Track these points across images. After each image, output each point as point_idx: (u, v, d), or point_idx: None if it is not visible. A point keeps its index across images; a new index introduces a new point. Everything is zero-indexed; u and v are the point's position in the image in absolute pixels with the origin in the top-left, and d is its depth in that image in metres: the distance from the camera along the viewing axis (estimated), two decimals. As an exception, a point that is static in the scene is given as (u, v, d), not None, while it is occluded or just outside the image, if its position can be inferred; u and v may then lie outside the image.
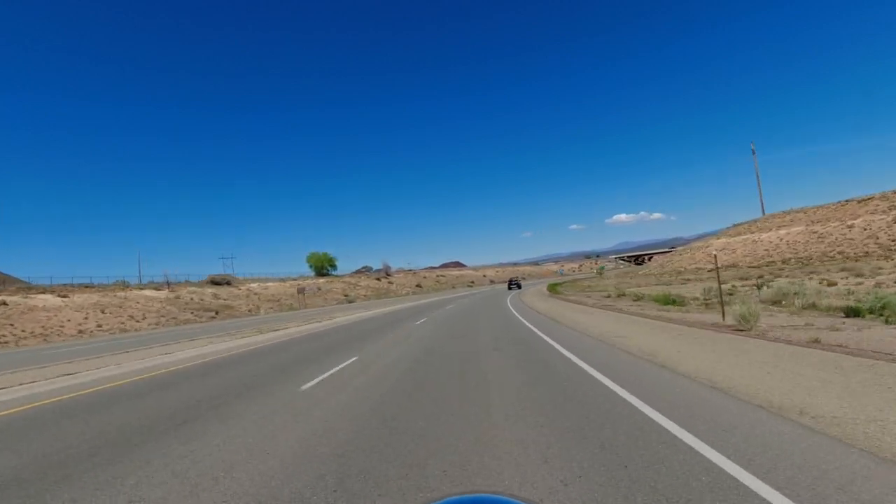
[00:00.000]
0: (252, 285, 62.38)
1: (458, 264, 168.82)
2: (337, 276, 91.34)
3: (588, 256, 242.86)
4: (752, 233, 59.53)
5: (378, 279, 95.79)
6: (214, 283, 57.77)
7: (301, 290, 53.61)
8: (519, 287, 66.50)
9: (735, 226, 67.30)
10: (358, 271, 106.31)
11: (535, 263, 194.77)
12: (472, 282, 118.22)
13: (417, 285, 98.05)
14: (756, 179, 75.39)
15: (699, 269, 53.10)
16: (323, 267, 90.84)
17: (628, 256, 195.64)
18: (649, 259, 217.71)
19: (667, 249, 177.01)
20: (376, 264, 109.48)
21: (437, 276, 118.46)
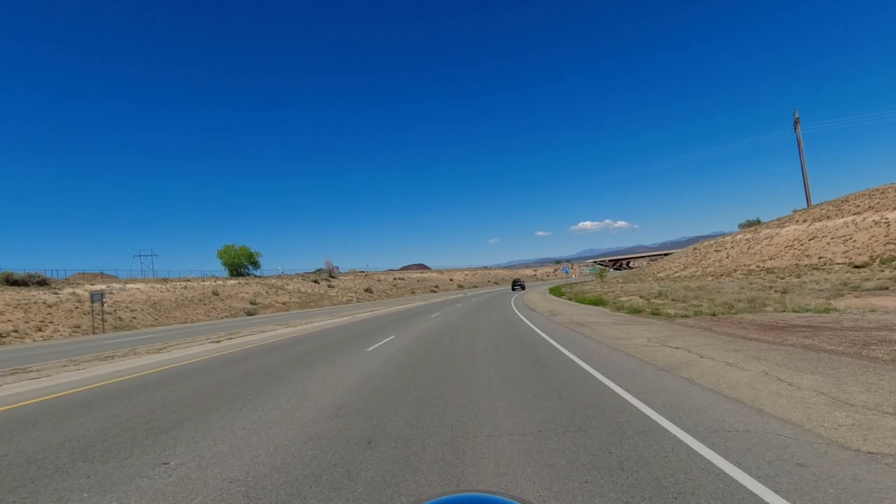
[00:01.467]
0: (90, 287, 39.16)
1: (421, 266, 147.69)
2: (258, 276, 68.46)
3: (559, 262, 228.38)
4: (829, 219, 41.98)
5: (315, 281, 73.59)
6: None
7: (96, 298, 30.16)
8: (523, 288, 63.32)
9: (797, 212, 50.01)
10: (316, 272, 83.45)
11: (509, 268, 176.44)
12: (436, 286, 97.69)
13: (367, 290, 76.44)
14: (799, 153, 59.12)
15: (769, 267, 34.86)
16: (240, 265, 67.77)
17: (609, 261, 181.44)
18: (628, 264, 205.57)
19: (661, 253, 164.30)
20: (344, 265, 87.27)
21: (395, 278, 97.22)
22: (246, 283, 60.14)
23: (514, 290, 62.30)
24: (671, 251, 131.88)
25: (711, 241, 67.05)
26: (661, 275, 59.30)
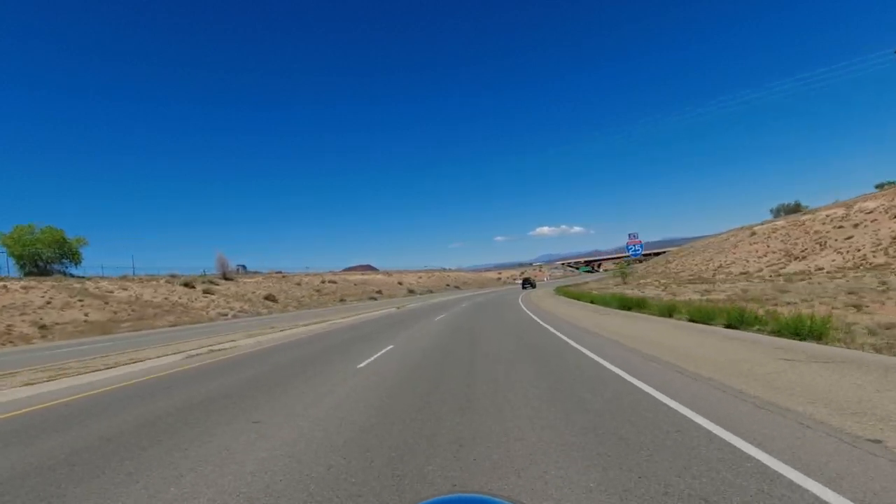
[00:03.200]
0: None
1: (368, 268, 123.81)
2: (75, 276, 43.18)
3: (523, 265, 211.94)
4: None
5: (188, 285, 49.11)
6: None
7: None
8: (533, 286, 62.30)
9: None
10: (202, 275, 57.96)
11: (473, 271, 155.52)
12: (379, 291, 74.85)
13: (269, 297, 52.56)
14: None
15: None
16: (46, 258, 42.31)
17: (585, 262, 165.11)
18: (599, 266, 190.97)
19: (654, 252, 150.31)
20: (292, 265, 62.14)
21: (325, 281, 73.60)
22: (32, 288, 35.22)
23: (524, 288, 61.31)
24: (665, 250, 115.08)
25: (749, 229, 48.59)
26: (683, 274, 39.73)
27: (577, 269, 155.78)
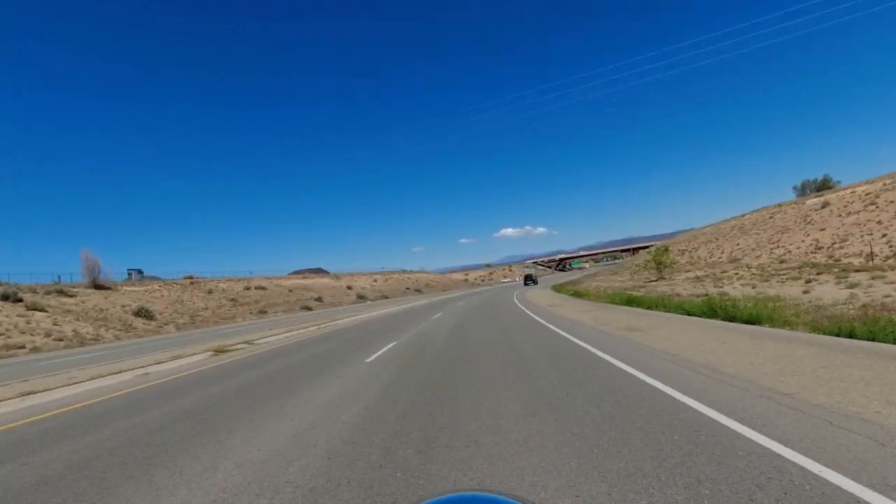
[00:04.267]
0: None
1: (319, 271, 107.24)
2: None
3: (490, 265, 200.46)
4: None
5: (9, 297, 32.53)
6: None
7: None
8: (535, 283, 60.05)
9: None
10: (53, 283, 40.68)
11: (439, 273, 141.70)
12: (320, 297, 59.51)
13: (139, 312, 36.44)
14: None
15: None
16: None
17: (558, 260, 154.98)
18: (569, 264, 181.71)
19: (623, 249, 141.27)
20: (237, 270, 45.01)
21: (250, 287, 57.59)
22: None
23: (526, 284, 60.31)
24: (651, 244, 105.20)
25: (776, 208, 37.41)
26: (689, 271, 27.46)
27: (564, 268, 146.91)
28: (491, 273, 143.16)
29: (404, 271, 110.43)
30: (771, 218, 35.20)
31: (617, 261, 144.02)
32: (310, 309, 51.30)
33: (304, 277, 77.50)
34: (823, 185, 49.48)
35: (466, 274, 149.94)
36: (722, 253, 29.96)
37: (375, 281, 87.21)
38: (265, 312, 45.68)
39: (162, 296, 45.27)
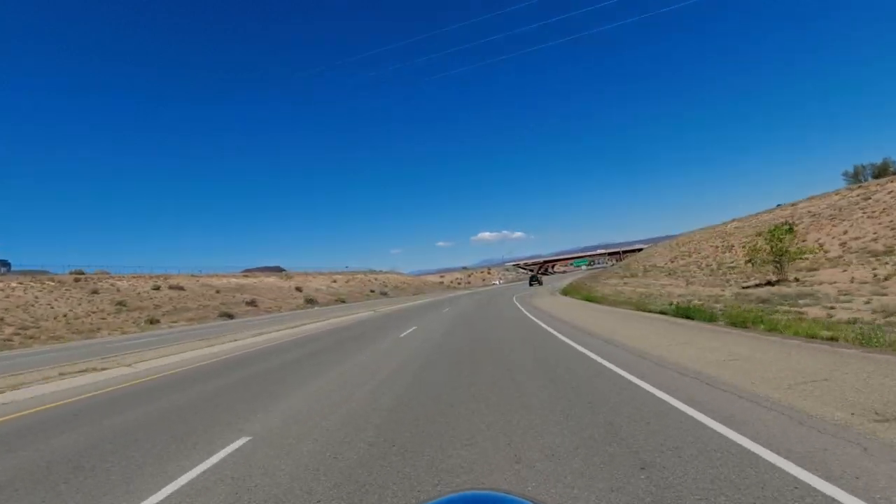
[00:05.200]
0: None
1: (276, 269, 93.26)
2: None
3: (466, 267, 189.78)
4: None
5: None
6: None
7: None
8: (540, 283, 56.60)
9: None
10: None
11: (414, 276, 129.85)
12: (253, 301, 46.66)
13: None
14: None
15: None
16: None
17: (540, 263, 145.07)
18: (553, 267, 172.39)
19: (617, 251, 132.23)
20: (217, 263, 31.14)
21: (160, 287, 44.33)
22: None
23: (531, 285, 55.65)
24: (638, 248, 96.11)
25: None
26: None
27: (547, 271, 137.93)
28: (469, 275, 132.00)
29: (372, 271, 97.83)
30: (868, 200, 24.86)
31: (603, 265, 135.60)
32: (231, 317, 38.61)
33: (247, 276, 64.17)
34: (884, 171, 40.13)
35: (442, 276, 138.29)
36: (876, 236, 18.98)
37: (335, 282, 74.52)
38: (157, 322, 32.76)
39: (7, 296, 31.86)
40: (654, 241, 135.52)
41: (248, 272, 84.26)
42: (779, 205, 39.44)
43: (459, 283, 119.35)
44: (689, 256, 34.72)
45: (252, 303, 45.79)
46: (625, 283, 29.69)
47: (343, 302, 57.60)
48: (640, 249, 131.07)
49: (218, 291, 48.47)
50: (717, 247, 33.86)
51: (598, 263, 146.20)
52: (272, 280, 63.26)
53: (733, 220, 46.80)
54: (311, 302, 52.86)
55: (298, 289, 59.56)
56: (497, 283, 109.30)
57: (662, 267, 33.89)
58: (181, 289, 46.35)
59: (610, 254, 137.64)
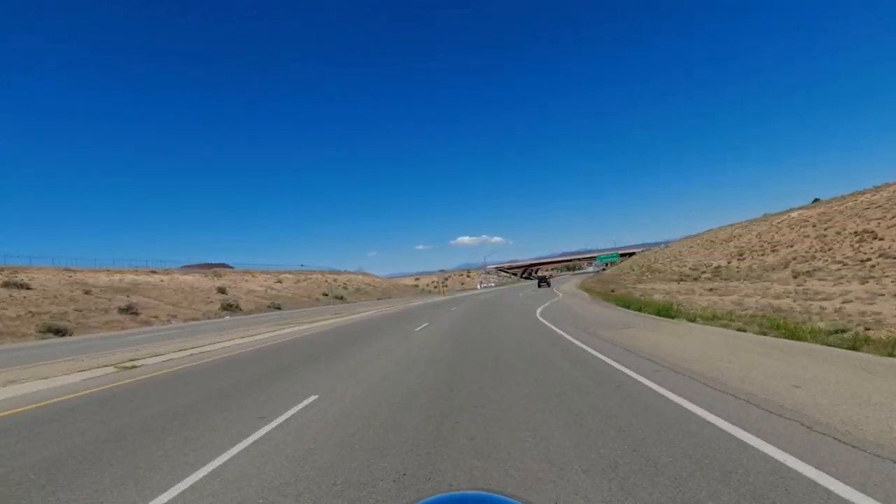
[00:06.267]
0: None
1: (221, 266, 78.40)
2: None
3: (443, 270, 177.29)
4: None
5: None
6: None
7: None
8: (549, 285, 49.30)
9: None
10: None
11: (389, 278, 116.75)
12: (130, 308, 32.76)
13: None
14: None
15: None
16: None
17: (524, 267, 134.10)
18: (536, 272, 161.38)
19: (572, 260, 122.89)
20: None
21: (8, 283, 30.05)
22: None
23: (539, 287, 48.99)
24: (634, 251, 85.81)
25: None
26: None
27: (530, 276, 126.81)
28: (446, 279, 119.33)
29: (334, 271, 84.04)
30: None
31: (588, 269, 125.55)
32: (63, 333, 24.85)
33: (154, 273, 49.76)
34: None
35: (417, 279, 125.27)
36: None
37: (280, 282, 60.72)
38: None
39: None
40: (641, 248, 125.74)
41: (186, 268, 69.44)
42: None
43: (435, 287, 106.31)
44: (775, 251, 22.87)
45: (128, 309, 31.92)
46: (710, 291, 17.58)
47: (278, 308, 44.11)
48: (633, 253, 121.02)
49: (87, 292, 34.40)
50: (811, 237, 22.18)
51: (596, 265, 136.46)
52: (190, 279, 49.17)
53: (794, 210, 35.55)
54: (230, 308, 39.18)
55: (222, 290, 45.70)
56: (478, 287, 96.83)
57: (739, 266, 21.82)
58: (26, 287, 32.19)
59: (590, 257, 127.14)
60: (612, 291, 22.95)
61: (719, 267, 23.81)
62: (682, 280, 23.61)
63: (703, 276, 23.05)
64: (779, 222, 33.01)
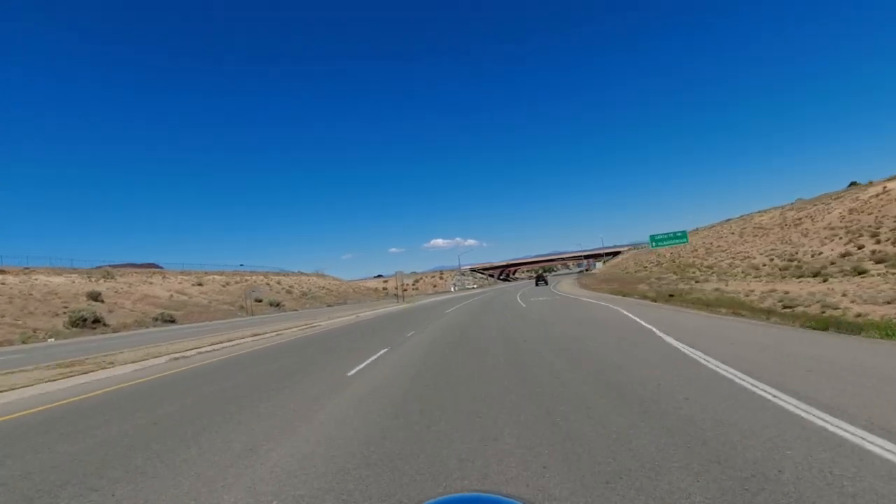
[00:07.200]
0: None
1: (150, 265, 65.28)
2: None
3: (415, 272, 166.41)
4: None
5: None
6: None
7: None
8: (546, 283, 50.62)
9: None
10: None
11: (357, 281, 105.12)
12: None
13: None
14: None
15: None
16: None
17: (501, 268, 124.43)
18: (513, 273, 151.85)
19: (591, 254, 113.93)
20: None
21: None
22: None
23: (537, 285, 49.01)
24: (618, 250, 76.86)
25: None
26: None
27: (508, 277, 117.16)
28: (416, 281, 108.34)
29: (282, 272, 71.79)
30: None
31: (574, 269, 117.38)
32: None
33: (44, 274, 37.08)
34: None
35: (385, 281, 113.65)
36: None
37: (200, 285, 48.56)
38: None
39: None
40: (628, 247, 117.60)
41: (117, 266, 55.87)
42: None
43: (405, 290, 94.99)
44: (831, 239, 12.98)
45: None
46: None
47: (171, 322, 32.36)
48: (618, 253, 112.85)
49: None
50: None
51: (579, 266, 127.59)
52: (57, 280, 36.61)
53: (817, 199, 26.40)
54: (82, 323, 27.20)
55: (94, 297, 33.50)
56: (452, 289, 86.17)
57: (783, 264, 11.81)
58: None
59: (585, 256, 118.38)
60: (671, 296, 12.83)
61: (847, 254, 14.01)
62: (781, 275, 13.57)
63: (830, 267, 13.08)
64: (782, 216, 23.77)
